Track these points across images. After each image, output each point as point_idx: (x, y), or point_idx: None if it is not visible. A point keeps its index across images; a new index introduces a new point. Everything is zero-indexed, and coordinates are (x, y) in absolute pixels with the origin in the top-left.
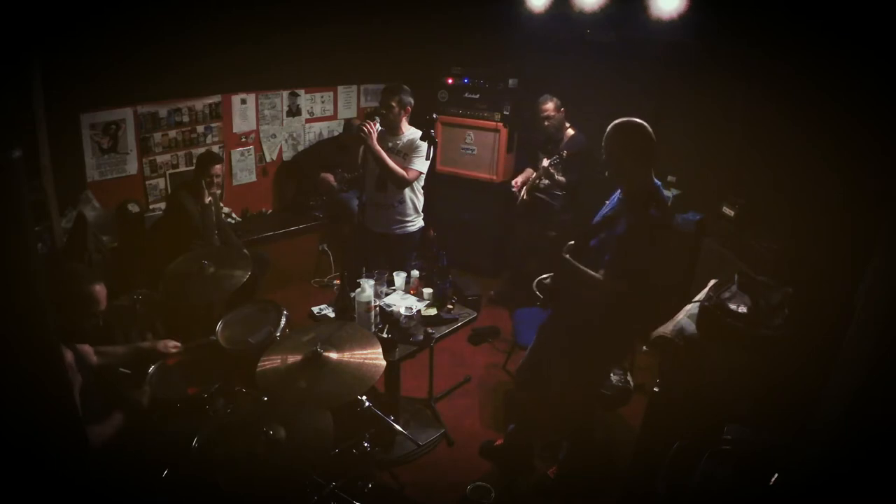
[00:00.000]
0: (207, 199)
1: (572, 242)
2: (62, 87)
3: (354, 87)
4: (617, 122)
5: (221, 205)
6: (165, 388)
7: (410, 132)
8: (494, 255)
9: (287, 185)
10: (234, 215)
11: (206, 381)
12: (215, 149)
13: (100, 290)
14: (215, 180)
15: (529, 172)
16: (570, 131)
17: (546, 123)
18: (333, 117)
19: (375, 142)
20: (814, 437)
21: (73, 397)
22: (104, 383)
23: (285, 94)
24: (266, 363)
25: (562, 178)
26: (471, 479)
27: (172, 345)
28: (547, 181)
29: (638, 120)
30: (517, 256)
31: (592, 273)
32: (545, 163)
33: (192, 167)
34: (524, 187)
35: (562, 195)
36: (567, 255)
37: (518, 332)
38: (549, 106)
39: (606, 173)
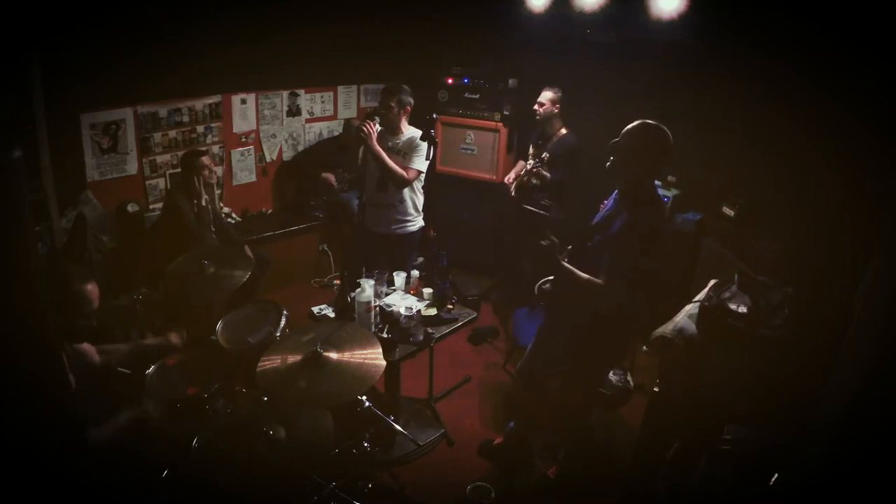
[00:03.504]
0: (204, 198)
1: (570, 247)
2: (62, 87)
3: (354, 87)
4: (643, 123)
5: (221, 205)
6: (165, 388)
7: (410, 132)
8: (494, 255)
9: (287, 185)
10: (234, 215)
11: (206, 381)
12: (215, 149)
13: (91, 289)
14: (207, 173)
15: (521, 165)
16: (563, 131)
17: (536, 107)
18: (333, 117)
19: (375, 142)
20: (814, 437)
21: (73, 397)
22: (107, 387)
23: (285, 94)
24: (266, 363)
25: (547, 175)
26: (471, 479)
27: (175, 334)
28: (536, 181)
29: (664, 128)
30: (511, 258)
31: (592, 278)
32: (530, 165)
33: None
34: (515, 181)
35: (548, 195)
36: (565, 262)
37: (518, 332)
38: (547, 95)
39: (608, 164)
